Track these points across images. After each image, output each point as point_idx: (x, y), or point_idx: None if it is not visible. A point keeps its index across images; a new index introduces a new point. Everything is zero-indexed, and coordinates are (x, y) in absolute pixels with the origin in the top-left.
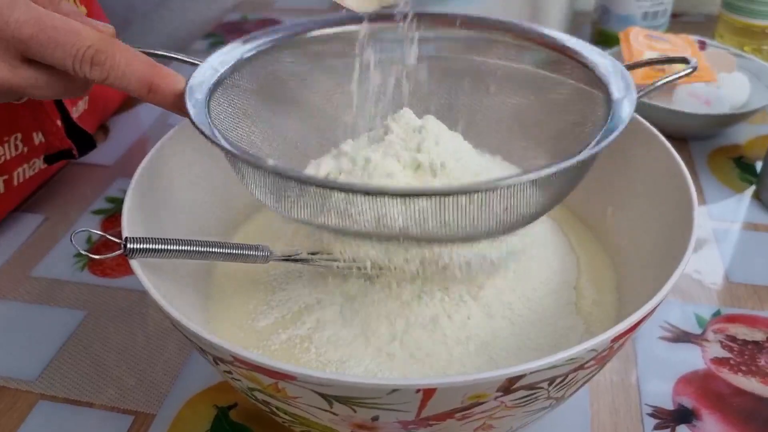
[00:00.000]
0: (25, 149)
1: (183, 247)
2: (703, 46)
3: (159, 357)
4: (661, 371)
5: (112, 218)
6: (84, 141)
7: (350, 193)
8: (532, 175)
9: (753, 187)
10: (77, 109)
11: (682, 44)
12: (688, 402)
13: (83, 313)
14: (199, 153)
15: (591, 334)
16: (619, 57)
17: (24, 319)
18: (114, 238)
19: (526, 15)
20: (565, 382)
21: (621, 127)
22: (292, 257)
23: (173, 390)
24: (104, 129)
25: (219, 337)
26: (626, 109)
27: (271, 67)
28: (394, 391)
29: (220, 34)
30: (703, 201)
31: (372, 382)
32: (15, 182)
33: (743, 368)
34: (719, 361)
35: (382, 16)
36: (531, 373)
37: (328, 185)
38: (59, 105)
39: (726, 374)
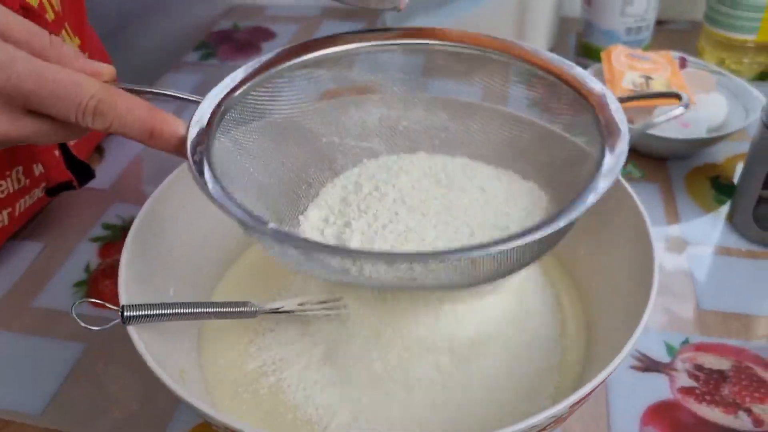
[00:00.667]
0: (27, 181)
1: (176, 310)
2: (683, 63)
3: (160, 388)
4: (630, 401)
5: (108, 245)
6: (83, 171)
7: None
8: (528, 239)
9: (727, 208)
10: None
11: (663, 63)
12: None
13: (84, 345)
14: (191, 199)
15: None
16: (600, 75)
17: (26, 352)
18: (111, 306)
19: (513, 23)
20: None
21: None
22: (278, 310)
23: (174, 422)
24: (99, 150)
25: (211, 379)
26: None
27: (266, 98)
28: None
29: (212, 45)
30: (677, 221)
31: None
32: (16, 213)
33: (707, 398)
34: (686, 391)
35: (370, 31)
36: None
37: (330, 251)
38: None
39: (691, 404)
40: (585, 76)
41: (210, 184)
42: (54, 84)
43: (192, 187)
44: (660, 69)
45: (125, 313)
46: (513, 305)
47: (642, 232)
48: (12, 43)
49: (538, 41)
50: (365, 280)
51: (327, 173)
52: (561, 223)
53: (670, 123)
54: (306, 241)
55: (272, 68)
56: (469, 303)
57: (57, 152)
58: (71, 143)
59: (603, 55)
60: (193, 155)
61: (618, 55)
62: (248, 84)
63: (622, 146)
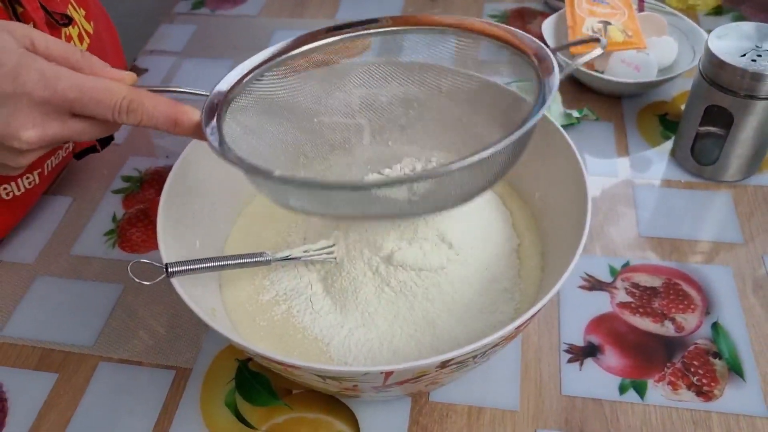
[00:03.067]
0: None
1: (207, 264)
2: (641, 6)
3: (189, 321)
4: (577, 314)
5: (130, 196)
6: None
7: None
8: (476, 158)
9: (671, 144)
10: None
11: (621, 7)
12: (595, 339)
13: (121, 286)
14: (207, 168)
15: (521, 311)
16: (563, 21)
17: (72, 293)
18: (157, 264)
19: None
20: (485, 355)
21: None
22: (289, 257)
23: (203, 348)
24: None
25: (234, 312)
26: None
27: (265, 84)
28: (365, 374)
29: None
30: (627, 155)
31: (350, 370)
32: (45, 172)
33: (640, 310)
34: (623, 305)
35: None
36: (458, 357)
37: (327, 186)
38: None
39: (627, 316)
40: (524, 36)
41: (224, 148)
42: (92, 91)
43: (206, 157)
44: (618, 14)
45: (169, 269)
46: (478, 232)
47: (578, 175)
48: (53, 61)
49: None
50: (368, 207)
51: (322, 148)
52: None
53: (624, 68)
54: (313, 181)
55: (264, 64)
56: (441, 229)
57: None
58: None
59: (567, 1)
60: (209, 133)
61: (580, 1)
62: (247, 76)
63: (553, 80)
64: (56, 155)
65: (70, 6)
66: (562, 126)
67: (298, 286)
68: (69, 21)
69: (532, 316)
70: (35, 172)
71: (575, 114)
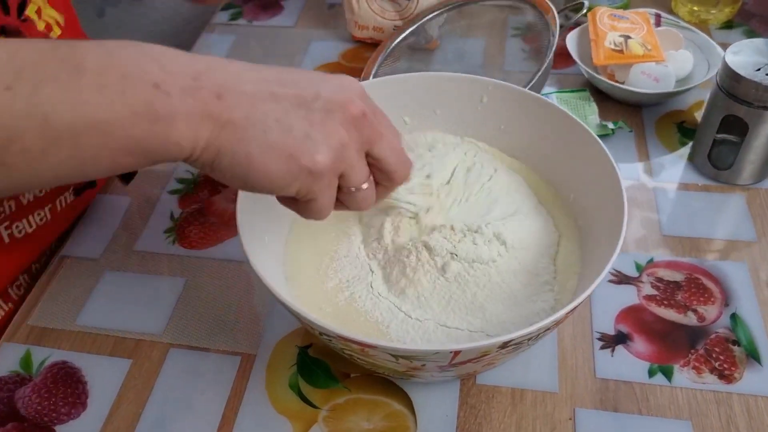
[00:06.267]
0: None
1: None
2: (658, 21)
3: (249, 311)
4: (608, 307)
5: (185, 196)
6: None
7: None
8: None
9: (689, 150)
10: None
11: (640, 22)
12: (625, 328)
13: (184, 279)
14: None
15: (559, 302)
16: (586, 35)
17: (140, 287)
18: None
19: None
20: (539, 337)
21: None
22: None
23: (264, 336)
24: None
25: (298, 295)
26: None
27: None
28: (436, 353)
29: (237, 4)
30: (647, 159)
31: (424, 349)
32: (58, 209)
33: (665, 302)
34: (649, 298)
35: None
36: (518, 338)
37: None
38: None
39: (653, 307)
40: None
41: None
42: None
43: None
44: (637, 29)
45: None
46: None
47: (615, 183)
48: None
49: None
50: None
51: None
52: None
53: (644, 79)
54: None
55: None
56: (498, 230)
57: None
58: None
59: (589, 15)
60: None
61: (602, 16)
62: None
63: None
64: (69, 191)
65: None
66: (599, 136)
67: (360, 273)
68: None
69: (580, 303)
70: (46, 207)
71: (611, 125)
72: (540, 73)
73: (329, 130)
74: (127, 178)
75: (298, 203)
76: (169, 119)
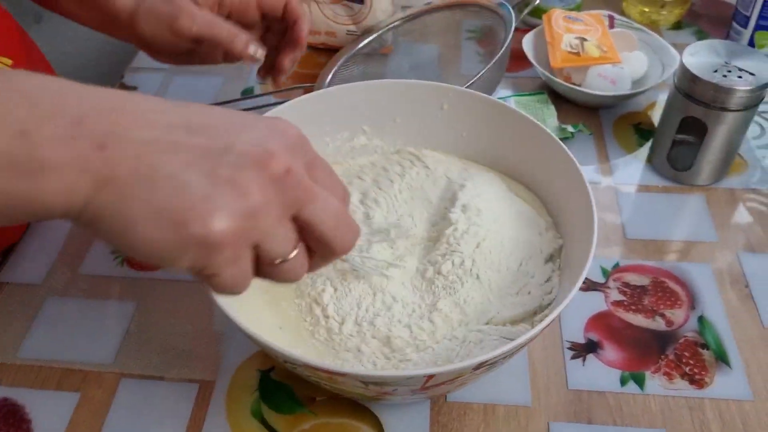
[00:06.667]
0: None
1: None
2: (612, 22)
3: (206, 334)
4: (576, 315)
5: None
6: None
7: None
8: None
9: (647, 150)
10: None
11: (594, 24)
12: (595, 336)
13: (134, 303)
14: None
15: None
16: (541, 37)
17: (87, 313)
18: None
19: None
20: (513, 355)
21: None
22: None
23: (223, 361)
24: None
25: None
26: None
27: None
28: (409, 378)
29: None
30: (607, 161)
31: (396, 374)
32: None
33: (633, 307)
34: (617, 303)
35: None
36: (492, 358)
37: None
38: None
39: (621, 313)
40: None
41: None
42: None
43: None
44: (592, 30)
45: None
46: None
47: (583, 189)
48: None
49: None
50: None
51: None
52: None
53: (601, 81)
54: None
55: None
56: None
57: None
58: None
59: (544, 17)
60: None
61: (557, 19)
62: None
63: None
64: None
65: None
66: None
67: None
68: None
69: (555, 318)
70: None
71: (570, 129)
72: (493, 63)
73: (238, 191)
74: None
75: (200, 276)
76: (34, 174)
